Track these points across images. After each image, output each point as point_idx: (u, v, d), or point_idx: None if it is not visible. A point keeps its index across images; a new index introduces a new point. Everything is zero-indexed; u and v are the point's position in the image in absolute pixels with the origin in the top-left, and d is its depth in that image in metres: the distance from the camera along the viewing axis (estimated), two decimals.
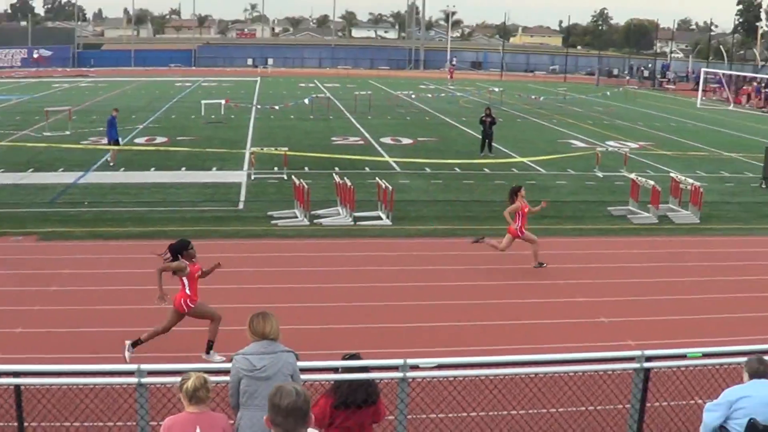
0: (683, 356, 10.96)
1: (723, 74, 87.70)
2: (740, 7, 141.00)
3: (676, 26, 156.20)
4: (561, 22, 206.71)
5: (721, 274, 21.46)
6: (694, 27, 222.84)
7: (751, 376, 9.47)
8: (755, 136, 51.39)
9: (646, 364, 10.46)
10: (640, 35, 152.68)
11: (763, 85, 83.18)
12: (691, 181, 28.75)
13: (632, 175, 29.42)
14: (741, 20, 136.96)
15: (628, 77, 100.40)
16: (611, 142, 44.54)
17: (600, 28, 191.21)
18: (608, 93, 78.11)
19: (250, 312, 9.16)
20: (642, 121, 56.80)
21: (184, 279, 14.20)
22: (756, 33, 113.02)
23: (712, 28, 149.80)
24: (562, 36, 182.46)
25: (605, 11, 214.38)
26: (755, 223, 27.97)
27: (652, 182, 27.70)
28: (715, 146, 46.13)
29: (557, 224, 26.15)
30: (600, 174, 34.47)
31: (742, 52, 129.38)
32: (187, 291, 14.21)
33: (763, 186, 34.25)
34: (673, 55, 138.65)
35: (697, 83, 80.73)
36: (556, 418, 11.51)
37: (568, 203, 29.41)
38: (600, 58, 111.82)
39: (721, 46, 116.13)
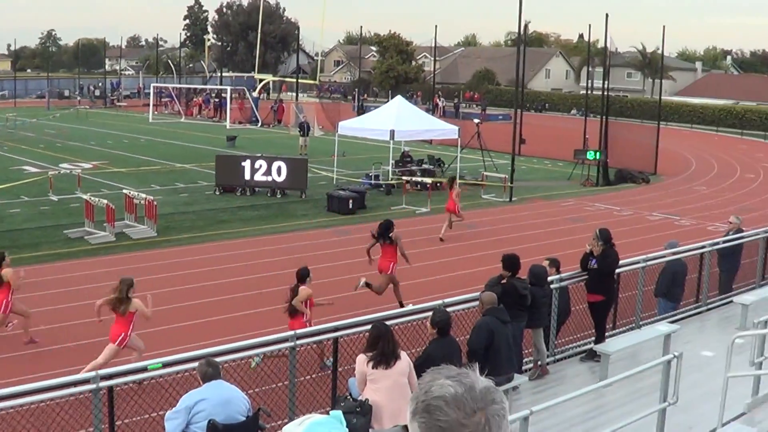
0: (144, 369, 10.84)
1: (173, 88, 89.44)
2: (187, 21, 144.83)
3: (125, 44, 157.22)
4: (9, 45, 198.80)
5: (180, 284, 21.77)
6: (143, 44, 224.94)
7: (205, 380, 9.58)
8: (208, 145, 52.86)
9: (104, 383, 10.19)
10: (89, 54, 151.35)
11: (213, 95, 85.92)
12: (144, 195, 28.88)
13: (86, 196, 28.93)
14: (189, 34, 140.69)
15: (79, 97, 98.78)
16: (65, 164, 43.48)
17: (49, 49, 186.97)
18: (58, 114, 76.67)
19: None
20: (95, 141, 56.12)
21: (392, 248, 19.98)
22: (204, 46, 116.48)
23: (161, 43, 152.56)
24: (10, 60, 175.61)
25: (53, 32, 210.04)
26: (211, 230, 28.79)
27: (105, 201, 27.46)
28: (169, 159, 46.85)
29: (14, 254, 24.80)
30: (55, 198, 33.49)
31: (191, 65, 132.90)
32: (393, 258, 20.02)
33: (218, 193, 35.37)
34: (123, 72, 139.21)
35: (149, 98, 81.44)
36: None
37: (23, 231, 28.17)
38: (50, 80, 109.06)
39: (170, 61, 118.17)
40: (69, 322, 18.54)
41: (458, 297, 13.58)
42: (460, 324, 13.10)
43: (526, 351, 14.41)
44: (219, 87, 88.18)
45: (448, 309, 12.19)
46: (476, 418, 2.50)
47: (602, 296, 14.92)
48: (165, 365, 10.85)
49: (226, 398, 9.47)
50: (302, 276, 15.89)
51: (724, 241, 19.68)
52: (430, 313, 11.51)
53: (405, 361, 10.35)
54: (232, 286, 21.89)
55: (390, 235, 19.96)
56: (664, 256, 17.96)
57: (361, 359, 10.33)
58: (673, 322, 16.38)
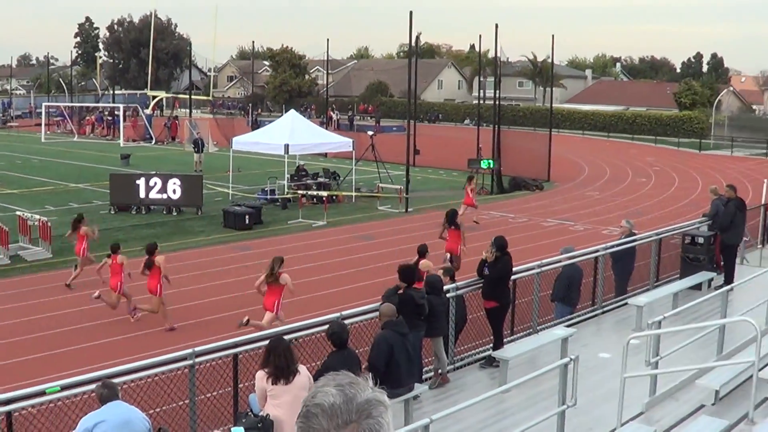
0: (42, 393, 10.65)
1: (65, 107, 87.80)
2: (78, 39, 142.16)
3: (15, 63, 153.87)
4: None
5: (77, 305, 21.40)
6: (34, 62, 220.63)
7: (103, 401, 9.45)
8: (101, 164, 51.96)
9: (4, 408, 10.00)
10: None
11: (105, 113, 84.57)
12: (38, 217, 28.33)
13: None
14: (80, 52, 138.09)
15: None
16: None
17: None
18: None
19: None
20: None
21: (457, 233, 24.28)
22: (96, 63, 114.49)
23: (52, 61, 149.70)
24: None
25: None
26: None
27: None
28: (62, 179, 45.97)
29: None
30: None
31: (83, 83, 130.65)
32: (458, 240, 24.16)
33: (113, 212, 34.82)
34: (14, 92, 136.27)
35: (41, 118, 79.73)
36: None
37: None
38: None
39: (61, 79, 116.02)
40: None
41: (356, 309, 13.62)
42: (359, 336, 13.13)
43: (426, 360, 14.50)
44: (112, 105, 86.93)
45: (346, 321, 12.23)
46: (348, 429, 2.55)
47: (496, 302, 15.09)
48: (63, 388, 10.67)
49: (125, 419, 9.35)
50: (422, 251, 18.76)
51: (617, 245, 20.09)
52: (327, 327, 11.51)
53: (304, 375, 10.30)
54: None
55: (456, 221, 24.68)
56: (558, 261, 18.25)
57: (260, 375, 10.26)
58: (570, 325, 16.69)
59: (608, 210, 38.33)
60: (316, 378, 10.53)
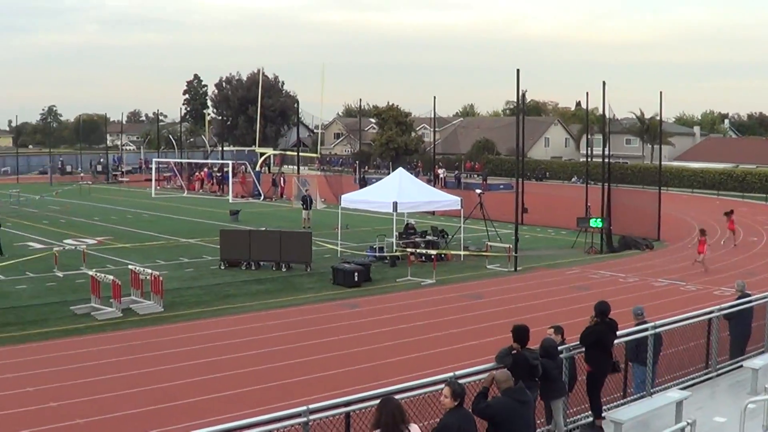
0: None
1: (174, 163, 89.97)
2: (187, 96, 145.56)
3: (125, 119, 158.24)
4: (10, 121, 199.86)
5: (187, 359, 21.68)
6: (143, 118, 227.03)
7: None
8: (211, 219, 53.06)
9: None
10: (90, 130, 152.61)
11: (215, 170, 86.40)
12: (150, 271, 28.91)
13: (92, 272, 28.99)
14: (189, 109, 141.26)
15: (82, 173, 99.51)
16: (69, 240, 43.65)
17: (51, 125, 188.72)
18: (61, 190, 77.06)
19: None
20: (99, 216, 56.29)
21: None
22: (204, 120, 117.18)
23: (161, 118, 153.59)
24: (12, 136, 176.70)
25: (54, 108, 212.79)
26: (218, 305, 28.75)
27: (111, 277, 27.56)
28: (173, 234, 46.93)
29: (21, 330, 24.87)
30: (60, 274, 33.52)
31: (192, 139, 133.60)
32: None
33: (223, 267, 35.37)
34: (124, 147, 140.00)
35: (151, 173, 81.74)
36: None
37: (30, 307, 28.05)
38: (52, 155, 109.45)
39: (170, 135, 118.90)
40: (76, 399, 18.47)
41: (470, 369, 13.53)
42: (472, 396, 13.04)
43: (538, 422, 14.30)
44: (221, 161, 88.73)
45: (460, 381, 12.16)
46: None
47: (590, 368, 14.87)
48: None
49: None
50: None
51: (731, 306, 19.61)
52: (441, 386, 11.41)
53: None
54: (241, 360, 21.77)
55: None
56: (675, 322, 17.81)
57: None
58: (683, 388, 16.33)
59: (720, 270, 37.49)
60: None
